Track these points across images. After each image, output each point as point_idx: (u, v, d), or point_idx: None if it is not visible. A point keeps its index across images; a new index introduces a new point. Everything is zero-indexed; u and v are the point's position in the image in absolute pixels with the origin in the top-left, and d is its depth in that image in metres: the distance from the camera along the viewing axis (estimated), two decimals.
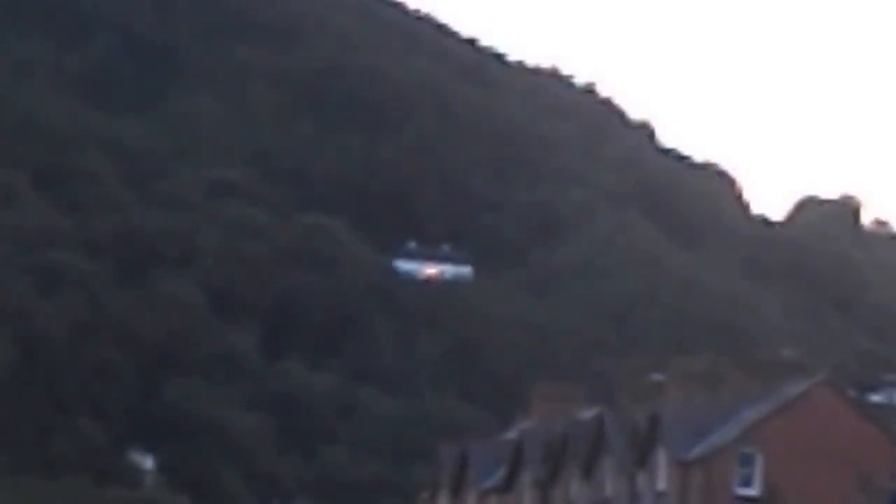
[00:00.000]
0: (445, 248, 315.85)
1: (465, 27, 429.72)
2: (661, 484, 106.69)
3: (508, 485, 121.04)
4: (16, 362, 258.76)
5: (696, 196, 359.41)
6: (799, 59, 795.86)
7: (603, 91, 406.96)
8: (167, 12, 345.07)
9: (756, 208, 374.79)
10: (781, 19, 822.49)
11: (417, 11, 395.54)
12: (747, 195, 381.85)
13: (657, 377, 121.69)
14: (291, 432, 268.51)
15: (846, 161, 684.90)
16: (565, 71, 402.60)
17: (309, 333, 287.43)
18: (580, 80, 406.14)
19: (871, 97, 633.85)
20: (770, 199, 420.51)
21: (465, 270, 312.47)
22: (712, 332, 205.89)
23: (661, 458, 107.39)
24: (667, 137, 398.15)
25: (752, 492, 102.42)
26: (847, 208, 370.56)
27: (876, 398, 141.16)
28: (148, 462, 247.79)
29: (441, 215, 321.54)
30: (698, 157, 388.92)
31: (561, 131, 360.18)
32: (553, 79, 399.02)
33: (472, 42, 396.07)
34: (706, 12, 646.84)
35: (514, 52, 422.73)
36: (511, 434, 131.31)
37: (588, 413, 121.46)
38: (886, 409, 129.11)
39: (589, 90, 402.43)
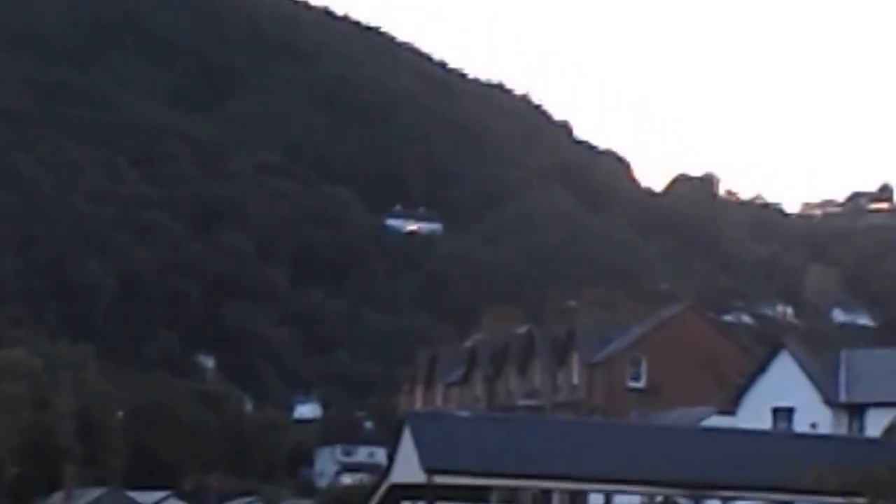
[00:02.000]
0: (422, 210, 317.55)
1: (436, 52, 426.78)
2: (575, 379, 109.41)
3: (465, 380, 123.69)
4: (118, 291, 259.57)
5: (601, 174, 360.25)
6: (674, 71, 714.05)
7: (535, 98, 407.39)
8: (228, 41, 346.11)
9: (643, 183, 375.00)
10: (665, 33, 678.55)
11: (402, 41, 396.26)
12: (637, 173, 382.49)
13: (572, 303, 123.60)
14: (311, 340, 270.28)
15: (708, 147, 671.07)
16: (507, 84, 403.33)
17: (325, 270, 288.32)
18: (518, 90, 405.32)
19: (729, 97, 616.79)
20: (653, 176, 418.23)
21: (437, 227, 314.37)
22: (612, 271, 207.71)
23: (575, 361, 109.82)
24: (580, 132, 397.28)
25: (640, 385, 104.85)
26: (708, 182, 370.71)
27: (728, 318, 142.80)
28: (210, 362, 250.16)
29: (419, 187, 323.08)
30: (602, 146, 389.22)
31: (505, 128, 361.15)
32: (498, 89, 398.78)
33: (441, 64, 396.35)
34: (610, 36, 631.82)
35: (471, 70, 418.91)
36: (468, 343, 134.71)
37: (522, 328, 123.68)
38: (735, 326, 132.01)
39: (524, 98, 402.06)
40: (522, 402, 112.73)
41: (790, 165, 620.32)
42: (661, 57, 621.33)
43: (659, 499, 54.06)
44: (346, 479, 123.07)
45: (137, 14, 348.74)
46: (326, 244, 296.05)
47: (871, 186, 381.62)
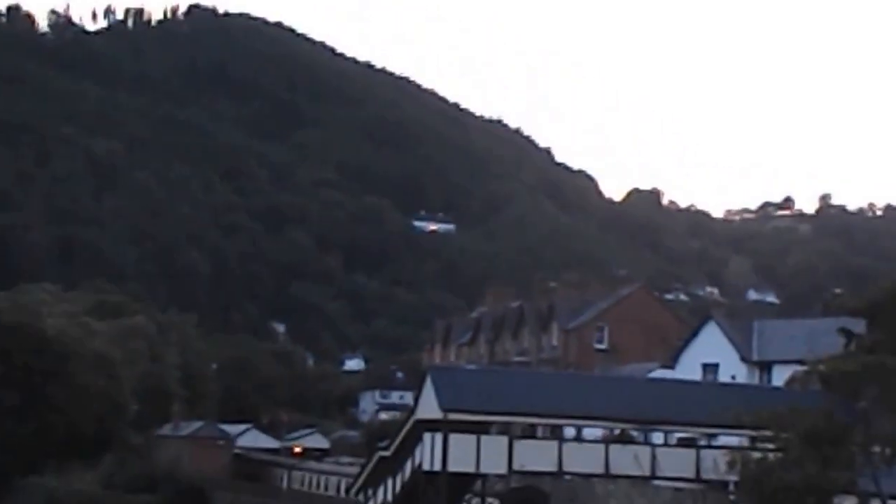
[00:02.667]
0: (440, 215, 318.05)
1: (451, 95, 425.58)
2: (554, 342, 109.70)
3: (472, 342, 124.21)
4: (211, 273, 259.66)
5: (575, 187, 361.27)
6: (632, 111, 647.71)
7: (525, 130, 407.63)
8: (294, 86, 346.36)
9: (607, 194, 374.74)
10: (624, 83, 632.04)
11: (426, 87, 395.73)
12: (602, 187, 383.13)
13: (552, 284, 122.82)
14: (357, 311, 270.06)
15: (656, 166, 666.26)
16: (505, 120, 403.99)
17: (367, 259, 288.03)
18: (512, 124, 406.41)
19: (671, 130, 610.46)
20: (614, 189, 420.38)
21: (451, 227, 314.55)
22: (583, 261, 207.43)
23: (555, 328, 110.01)
24: (559, 156, 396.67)
25: (603, 346, 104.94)
26: (656, 194, 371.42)
27: (669, 297, 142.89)
28: (281, 328, 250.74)
29: (438, 197, 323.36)
30: (576, 167, 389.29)
31: (502, 152, 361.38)
32: (498, 123, 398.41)
33: (455, 105, 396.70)
34: (585, 84, 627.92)
35: (477, 109, 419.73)
36: (474, 314, 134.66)
37: (515, 303, 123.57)
38: (674, 302, 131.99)
39: (517, 131, 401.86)
40: (515, 359, 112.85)
41: (716, 180, 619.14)
42: (622, 102, 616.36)
43: (616, 431, 54.14)
44: (383, 416, 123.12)
45: (226, 64, 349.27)
46: (368, 239, 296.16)
47: (778, 197, 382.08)
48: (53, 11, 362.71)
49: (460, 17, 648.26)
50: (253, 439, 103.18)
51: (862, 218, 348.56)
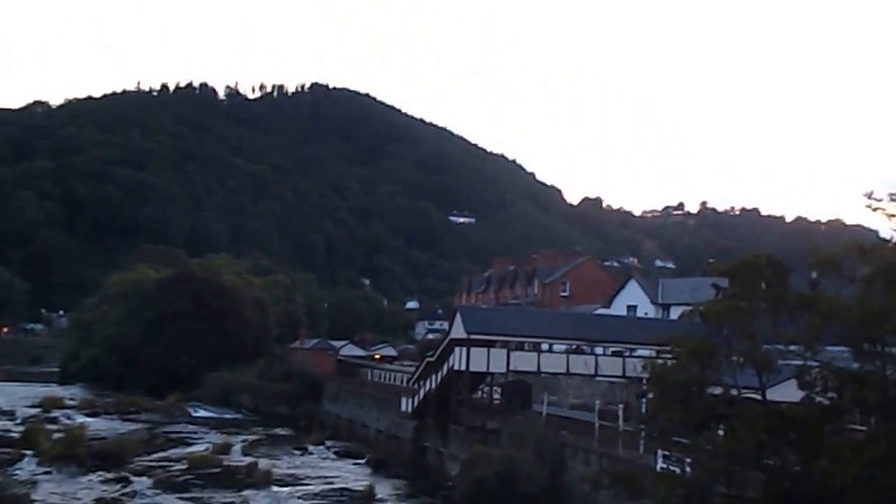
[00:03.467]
0: (466, 213, 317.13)
1: (472, 136, 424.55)
2: (536, 291, 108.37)
3: (485, 291, 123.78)
4: (325, 248, 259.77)
5: (549, 197, 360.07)
6: (585, 144, 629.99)
7: (517, 160, 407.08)
8: (376, 132, 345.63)
9: (568, 200, 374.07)
10: (579, 123, 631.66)
11: (457, 133, 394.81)
12: (566, 196, 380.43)
13: (535, 256, 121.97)
14: (414, 272, 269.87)
15: (597, 182, 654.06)
16: (505, 153, 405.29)
17: (420, 240, 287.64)
18: (509, 156, 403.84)
19: (605, 156, 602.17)
20: (573, 198, 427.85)
21: (472, 220, 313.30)
22: (554, 243, 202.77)
23: (536, 283, 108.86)
24: (539, 176, 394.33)
25: (566, 293, 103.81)
26: (598, 200, 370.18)
27: (607, 264, 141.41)
28: (367, 282, 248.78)
29: (465, 202, 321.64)
30: (549, 182, 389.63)
31: (503, 173, 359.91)
32: (499, 156, 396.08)
33: (475, 144, 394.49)
34: (554, 125, 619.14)
35: (485, 144, 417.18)
36: (486, 274, 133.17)
37: (511, 267, 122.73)
38: (610, 267, 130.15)
39: (513, 160, 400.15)
40: (511, 302, 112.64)
41: (636, 191, 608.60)
42: (580, 137, 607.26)
43: (573, 346, 54.03)
44: (430, 336, 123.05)
45: (334, 119, 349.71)
46: (421, 228, 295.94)
47: (674, 202, 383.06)
48: (228, 86, 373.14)
49: (481, 81, 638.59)
50: (349, 350, 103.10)
51: (727, 216, 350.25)
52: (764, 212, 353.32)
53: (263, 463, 54.81)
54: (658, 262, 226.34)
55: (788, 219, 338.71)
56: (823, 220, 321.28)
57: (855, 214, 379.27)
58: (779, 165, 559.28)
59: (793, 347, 22.14)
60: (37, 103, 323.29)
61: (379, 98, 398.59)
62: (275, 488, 48.41)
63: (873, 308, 20.37)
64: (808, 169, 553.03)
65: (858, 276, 21.85)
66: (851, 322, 20.77)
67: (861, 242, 23.68)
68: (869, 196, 21.49)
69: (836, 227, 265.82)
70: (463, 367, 51.11)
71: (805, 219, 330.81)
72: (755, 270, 23.68)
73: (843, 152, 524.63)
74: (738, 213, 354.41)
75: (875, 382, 20.66)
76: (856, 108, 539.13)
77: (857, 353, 21.25)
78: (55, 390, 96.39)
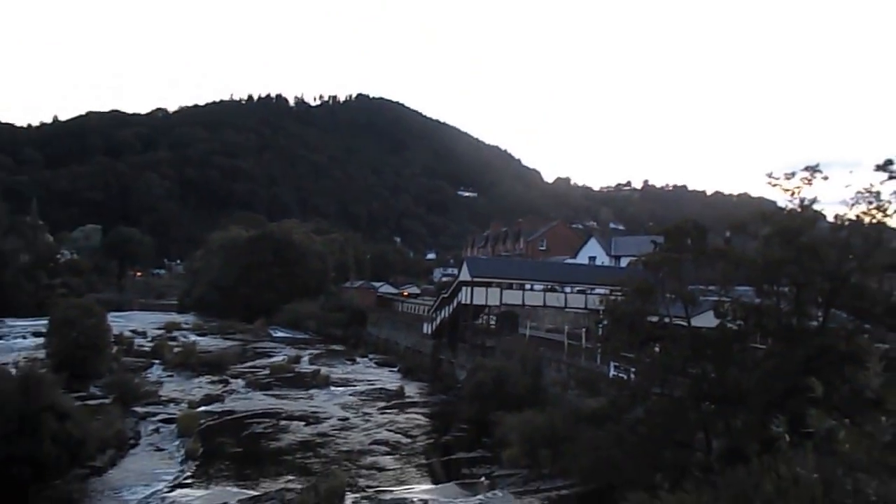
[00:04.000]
0: (470, 188, 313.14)
1: (472, 131, 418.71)
2: (521, 245, 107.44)
3: (484, 245, 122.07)
4: (366, 216, 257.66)
5: (531, 176, 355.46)
6: (569, 136, 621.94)
7: (508, 149, 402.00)
8: (408, 128, 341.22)
9: (546, 179, 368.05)
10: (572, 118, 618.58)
11: (460, 129, 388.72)
12: (544, 176, 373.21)
13: (520, 221, 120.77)
14: (433, 232, 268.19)
15: (565, 164, 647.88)
16: (500, 145, 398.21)
17: (437, 209, 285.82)
18: (502, 146, 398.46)
19: (576, 144, 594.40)
20: (550, 177, 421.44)
21: (475, 195, 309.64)
22: (534, 211, 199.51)
23: (521, 240, 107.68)
24: (524, 160, 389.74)
25: (543, 248, 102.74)
26: (566, 179, 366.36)
27: (574, 226, 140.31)
28: (398, 239, 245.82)
29: (469, 181, 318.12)
30: (532, 166, 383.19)
31: (497, 159, 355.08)
32: (494, 147, 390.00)
33: (473, 137, 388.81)
34: (549, 125, 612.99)
35: (483, 137, 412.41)
36: (485, 233, 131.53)
37: (504, 228, 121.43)
38: (574, 229, 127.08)
39: (504, 149, 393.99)
40: (503, 254, 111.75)
41: (596, 170, 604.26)
42: (553, 129, 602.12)
43: (549, 286, 53.87)
44: (444, 279, 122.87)
45: (374, 119, 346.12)
46: (438, 200, 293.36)
47: (623, 180, 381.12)
48: (296, 96, 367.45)
49: (480, 90, 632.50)
50: (385, 289, 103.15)
51: (663, 190, 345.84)
52: (690, 187, 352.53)
53: (324, 370, 55.22)
54: (612, 225, 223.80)
55: (709, 192, 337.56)
56: (735, 193, 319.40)
57: (759, 189, 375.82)
58: (701, 150, 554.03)
59: (711, 288, 22.20)
60: (158, 109, 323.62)
61: (406, 104, 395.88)
62: (332, 388, 48.95)
63: (772, 259, 20.37)
64: (724, 153, 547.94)
65: (761, 235, 21.77)
66: (755, 269, 20.88)
67: (763, 210, 23.63)
68: (770, 175, 21.34)
69: (744, 199, 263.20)
70: (468, 301, 51.16)
71: (721, 192, 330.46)
72: (683, 231, 23.59)
73: (751, 139, 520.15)
74: (671, 188, 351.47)
75: (772, 313, 20.88)
76: (763, 99, 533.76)
77: (759, 292, 21.36)
78: (174, 317, 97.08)
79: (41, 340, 51.90)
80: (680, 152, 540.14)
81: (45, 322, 51.54)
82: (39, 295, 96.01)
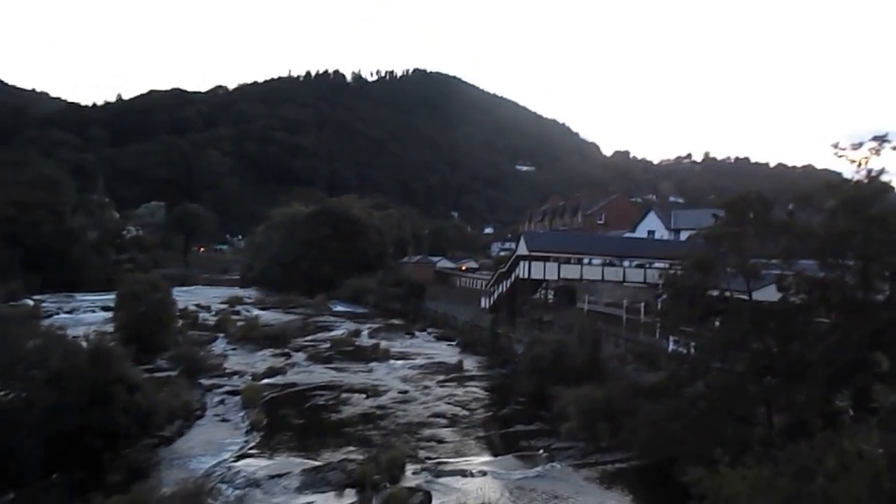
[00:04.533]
0: (528, 162, 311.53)
1: (532, 106, 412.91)
2: (580, 220, 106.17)
3: (542, 220, 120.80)
4: (424, 192, 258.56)
5: (590, 150, 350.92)
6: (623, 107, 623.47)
7: (566, 123, 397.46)
8: (460, 101, 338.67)
9: (605, 153, 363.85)
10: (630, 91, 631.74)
11: (518, 103, 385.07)
12: (602, 150, 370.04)
13: (578, 194, 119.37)
14: (491, 207, 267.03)
15: (627, 135, 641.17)
16: (557, 118, 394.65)
17: (497, 184, 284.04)
18: (560, 120, 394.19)
19: (638, 108, 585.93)
20: (608, 150, 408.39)
21: (533, 168, 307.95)
22: (593, 184, 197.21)
23: (580, 214, 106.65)
24: (582, 134, 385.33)
25: (602, 222, 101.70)
26: (626, 153, 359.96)
27: (633, 199, 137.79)
28: (456, 214, 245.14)
29: (528, 155, 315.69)
30: (590, 139, 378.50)
31: (556, 133, 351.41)
32: (551, 120, 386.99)
33: (532, 111, 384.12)
34: (608, 102, 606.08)
35: (539, 110, 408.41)
36: (543, 207, 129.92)
37: (562, 202, 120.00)
38: (635, 202, 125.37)
39: (563, 123, 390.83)
40: (561, 228, 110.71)
41: (656, 143, 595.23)
42: (614, 101, 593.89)
43: (608, 260, 53.40)
44: (502, 253, 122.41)
45: (428, 92, 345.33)
46: (499, 175, 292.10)
47: (684, 153, 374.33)
48: (353, 72, 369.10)
49: (538, 64, 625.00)
50: (443, 263, 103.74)
51: (724, 163, 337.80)
52: (753, 159, 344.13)
53: (383, 343, 55.87)
54: (671, 198, 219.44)
55: (772, 164, 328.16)
56: (799, 165, 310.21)
57: (824, 160, 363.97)
58: (764, 121, 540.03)
59: (773, 261, 21.86)
60: (219, 87, 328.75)
61: (464, 79, 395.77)
62: (392, 361, 49.49)
63: (838, 231, 19.97)
64: (788, 123, 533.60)
65: (826, 208, 21.30)
66: (820, 242, 20.45)
67: (829, 181, 23.11)
68: (836, 146, 20.80)
69: (809, 171, 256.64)
70: (526, 276, 51.08)
71: (785, 164, 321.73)
72: (745, 203, 23.21)
73: (816, 108, 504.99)
74: (733, 160, 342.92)
75: (837, 287, 20.50)
76: (829, 67, 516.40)
77: (824, 265, 20.99)
78: (237, 291, 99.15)
79: (110, 314, 53.59)
80: (742, 123, 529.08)
81: (113, 297, 53.30)
82: (107, 270, 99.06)
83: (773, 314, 20.87)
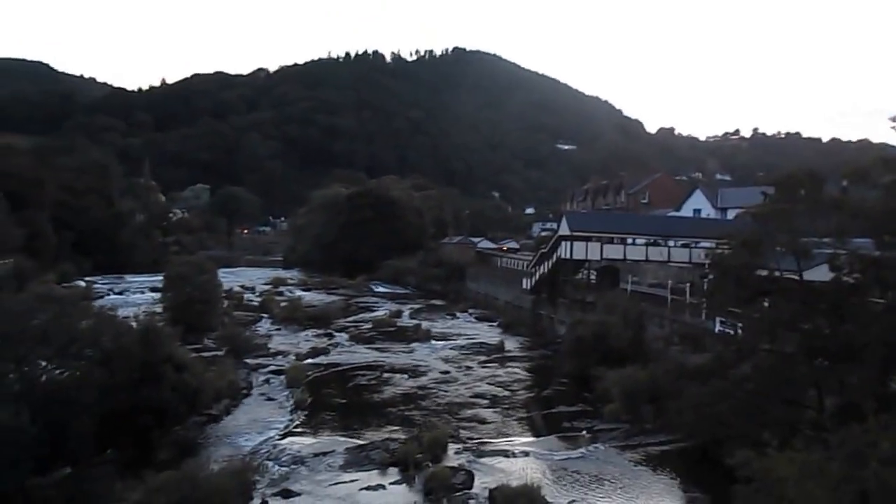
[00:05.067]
0: (569, 141, 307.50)
1: (571, 82, 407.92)
2: (623, 199, 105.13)
3: (584, 199, 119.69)
4: (463, 172, 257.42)
5: (633, 127, 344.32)
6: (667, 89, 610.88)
7: (608, 100, 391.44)
8: (502, 80, 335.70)
9: (649, 130, 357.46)
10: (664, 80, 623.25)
11: (559, 80, 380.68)
12: (647, 127, 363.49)
13: (622, 173, 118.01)
14: (532, 187, 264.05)
15: (673, 112, 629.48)
16: (599, 95, 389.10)
17: (537, 162, 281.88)
18: (602, 97, 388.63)
19: (683, 84, 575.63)
20: (652, 128, 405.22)
21: (574, 147, 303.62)
22: (636, 162, 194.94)
23: (623, 193, 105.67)
24: (625, 111, 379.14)
25: (645, 201, 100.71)
26: (670, 129, 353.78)
27: (678, 178, 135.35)
28: (496, 195, 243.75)
29: (568, 134, 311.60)
30: (633, 116, 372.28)
31: (596, 111, 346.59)
32: (593, 98, 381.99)
33: (573, 87, 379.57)
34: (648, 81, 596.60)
35: (581, 87, 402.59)
36: (585, 187, 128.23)
37: (604, 181, 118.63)
38: (681, 182, 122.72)
39: (605, 100, 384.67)
40: (604, 207, 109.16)
41: (702, 120, 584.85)
42: (657, 81, 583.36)
43: (652, 240, 52.73)
44: (543, 234, 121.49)
45: (466, 72, 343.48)
46: (537, 155, 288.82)
47: (731, 129, 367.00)
48: (393, 52, 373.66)
49: (580, 42, 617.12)
50: (484, 244, 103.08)
51: (774, 139, 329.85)
52: (805, 134, 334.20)
53: (425, 324, 56.24)
54: (718, 176, 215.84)
55: (824, 140, 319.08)
56: (854, 140, 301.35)
57: (881, 134, 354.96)
58: (817, 95, 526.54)
59: (825, 240, 21.31)
60: (260, 69, 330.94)
61: (504, 56, 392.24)
62: (433, 342, 49.79)
63: (894, 207, 19.26)
64: (842, 97, 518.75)
65: (882, 184, 20.66)
66: (875, 219, 19.82)
67: (886, 157, 22.42)
68: (894, 119, 20.15)
69: (864, 146, 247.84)
70: (568, 256, 50.76)
71: (838, 139, 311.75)
72: (796, 181, 22.69)
73: (872, 81, 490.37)
74: (783, 136, 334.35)
75: (893, 266, 19.72)
76: (884, 37, 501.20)
77: (879, 243, 20.35)
78: (280, 273, 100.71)
79: (158, 295, 54.85)
80: (793, 97, 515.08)
81: (161, 278, 54.46)
82: (155, 252, 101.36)
83: (824, 294, 20.32)
